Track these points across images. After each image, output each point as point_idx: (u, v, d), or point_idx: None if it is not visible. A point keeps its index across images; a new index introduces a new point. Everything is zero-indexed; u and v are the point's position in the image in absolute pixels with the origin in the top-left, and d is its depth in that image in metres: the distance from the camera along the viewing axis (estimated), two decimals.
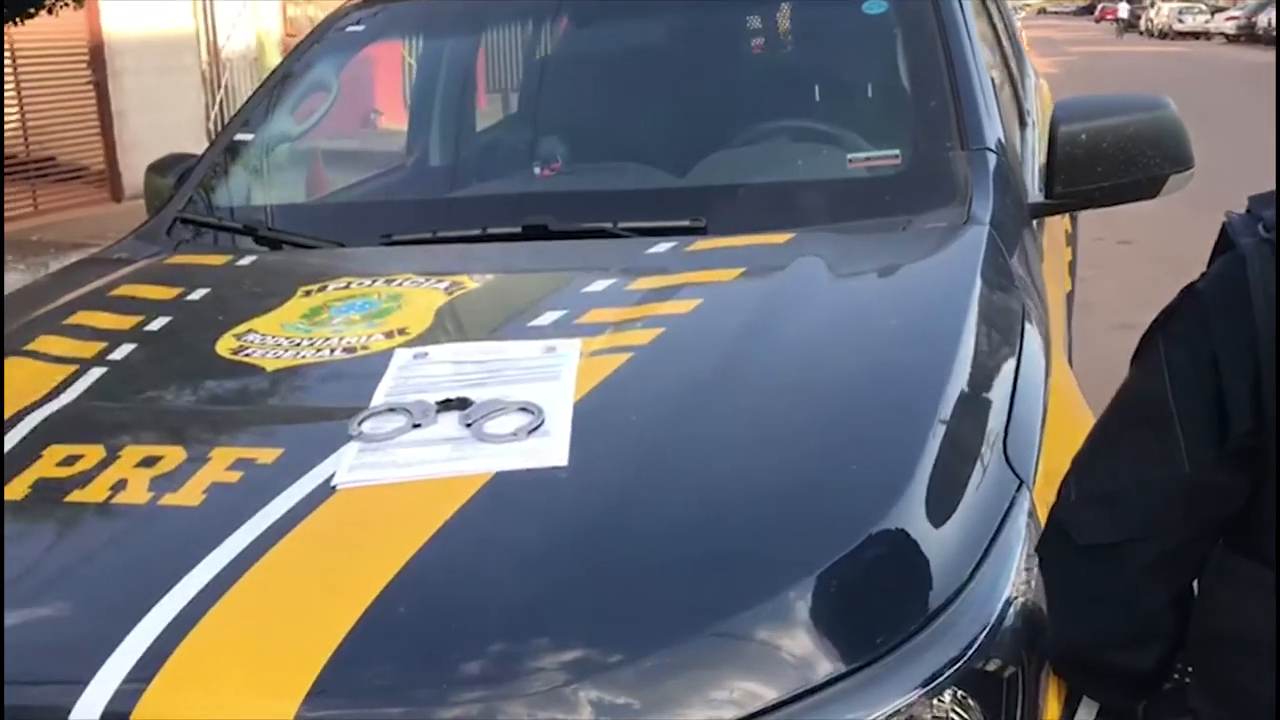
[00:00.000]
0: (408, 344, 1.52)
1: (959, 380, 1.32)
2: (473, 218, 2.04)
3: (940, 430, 1.22)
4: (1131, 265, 6.16)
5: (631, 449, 1.22)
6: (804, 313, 1.52)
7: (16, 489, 1.27)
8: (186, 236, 2.19)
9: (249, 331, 1.62)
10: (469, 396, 1.32)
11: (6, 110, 8.32)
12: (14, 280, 4.81)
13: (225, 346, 1.58)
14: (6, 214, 8.10)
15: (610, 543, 1.09)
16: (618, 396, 1.32)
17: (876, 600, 1.07)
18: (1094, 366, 1.67)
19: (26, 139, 8.57)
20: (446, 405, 1.31)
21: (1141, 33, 37.81)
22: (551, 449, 1.21)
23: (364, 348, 1.52)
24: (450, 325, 1.59)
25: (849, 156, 2.06)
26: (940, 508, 1.14)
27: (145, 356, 1.61)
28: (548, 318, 1.55)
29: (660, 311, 1.52)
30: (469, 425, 1.27)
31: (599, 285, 1.65)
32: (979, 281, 1.56)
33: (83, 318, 1.77)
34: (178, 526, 1.18)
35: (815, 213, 1.91)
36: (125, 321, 1.72)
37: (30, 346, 1.67)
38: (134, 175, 8.68)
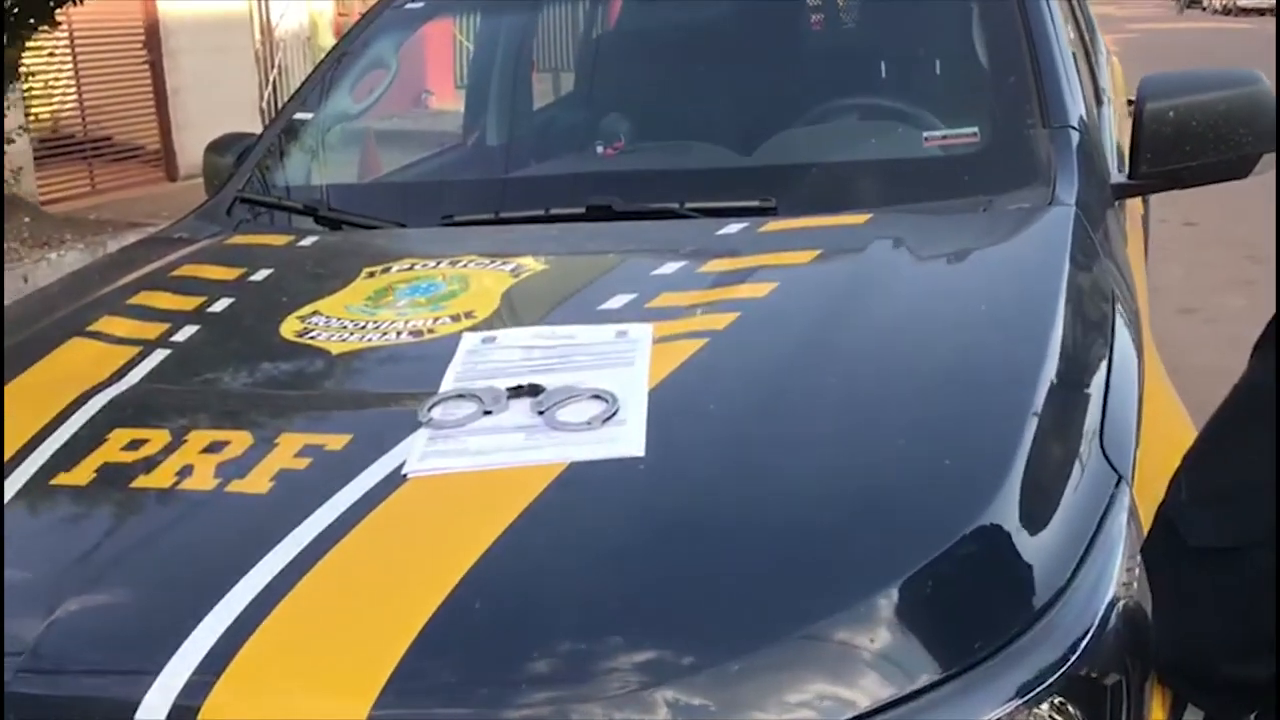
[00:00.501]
0: (475, 327, 1.48)
1: (1052, 370, 1.26)
2: (535, 198, 2.00)
3: (1035, 423, 1.16)
4: (1197, 248, 6.00)
5: (711, 440, 1.17)
6: (886, 297, 1.46)
7: (81, 474, 1.25)
8: (247, 216, 2.17)
9: (313, 314, 1.59)
10: (540, 383, 1.28)
11: (65, 90, 8.42)
12: (73, 259, 4.86)
13: (289, 329, 1.55)
14: (66, 192, 8.23)
15: (691, 539, 1.05)
16: (694, 384, 1.28)
17: (972, 603, 1.01)
18: (1158, 353, 1.61)
19: (84, 118, 8.66)
20: (517, 392, 1.27)
21: (1204, 9, 36.94)
22: (627, 438, 1.16)
23: (430, 331, 1.49)
24: (517, 308, 1.55)
25: (925, 134, 1.99)
26: (1038, 504, 1.08)
27: (209, 338, 1.59)
28: (617, 301, 1.51)
29: (735, 295, 1.47)
30: (541, 413, 1.23)
31: (669, 268, 1.61)
32: (1068, 265, 1.50)
33: (145, 298, 1.75)
34: (245, 515, 1.15)
35: (890, 193, 1.85)
36: (188, 303, 1.70)
37: (93, 327, 1.65)
38: (188, 154, 8.77)
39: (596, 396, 1.24)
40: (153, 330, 1.61)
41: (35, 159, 7.91)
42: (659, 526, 1.06)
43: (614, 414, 1.21)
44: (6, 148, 5.90)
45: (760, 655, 0.94)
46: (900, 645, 0.96)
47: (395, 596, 1.01)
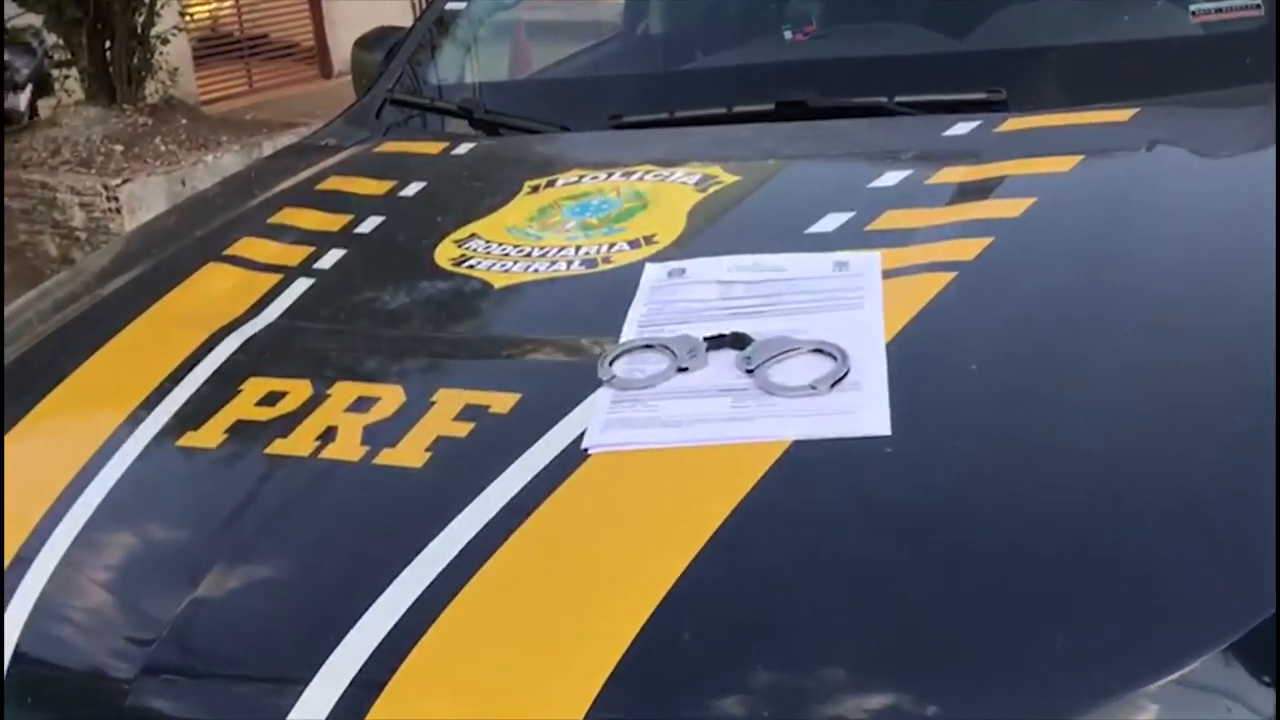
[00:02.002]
0: (658, 256, 1.24)
1: None
2: (714, 94, 1.74)
3: None
4: None
5: (979, 413, 0.91)
6: (1178, 218, 1.16)
7: (211, 433, 1.07)
8: (397, 119, 1.98)
9: (471, 237, 1.38)
10: (745, 331, 1.04)
11: None
12: (229, 161, 4.80)
13: (445, 255, 1.34)
14: (224, 92, 8.28)
15: (964, 553, 0.80)
16: (946, 334, 1.01)
17: None
18: None
19: (240, 17, 8.67)
20: (717, 342, 1.03)
21: None
22: (866, 410, 0.91)
23: (606, 261, 1.26)
24: (708, 231, 1.30)
25: (1193, 8, 1.63)
26: None
27: (356, 265, 1.40)
28: (830, 221, 1.24)
29: (982, 214, 1.19)
30: (750, 371, 0.98)
31: (890, 178, 1.33)
32: None
33: (288, 216, 1.57)
34: (399, 494, 0.95)
35: (1151, 82, 1.52)
36: (334, 222, 1.51)
37: (231, 250, 1.48)
38: (342, 51, 8.63)
39: (819, 350, 1.00)
40: (295, 255, 1.43)
41: (194, 59, 7.95)
42: (920, 534, 0.81)
43: (844, 375, 0.95)
44: (163, 48, 5.86)
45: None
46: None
47: (587, 615, 0.80)
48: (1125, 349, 0.96)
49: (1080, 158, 1.30)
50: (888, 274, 1.11)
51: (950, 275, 1.08)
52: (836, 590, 0.79)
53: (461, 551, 0.86)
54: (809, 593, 0.80)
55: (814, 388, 0.94)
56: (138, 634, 0.90)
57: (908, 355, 0.97)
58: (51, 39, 5.74)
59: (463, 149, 1.76)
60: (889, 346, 0.99)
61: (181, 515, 1.01)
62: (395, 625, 0.81)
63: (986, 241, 1.13)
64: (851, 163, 1.45)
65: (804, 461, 0.88)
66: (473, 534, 0.87)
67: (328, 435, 1.03)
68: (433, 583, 0.84)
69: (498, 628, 0.81)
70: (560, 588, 0.83)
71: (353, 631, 0.81)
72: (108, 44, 5.59)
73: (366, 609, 0.83)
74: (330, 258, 1.41)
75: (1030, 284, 1.07)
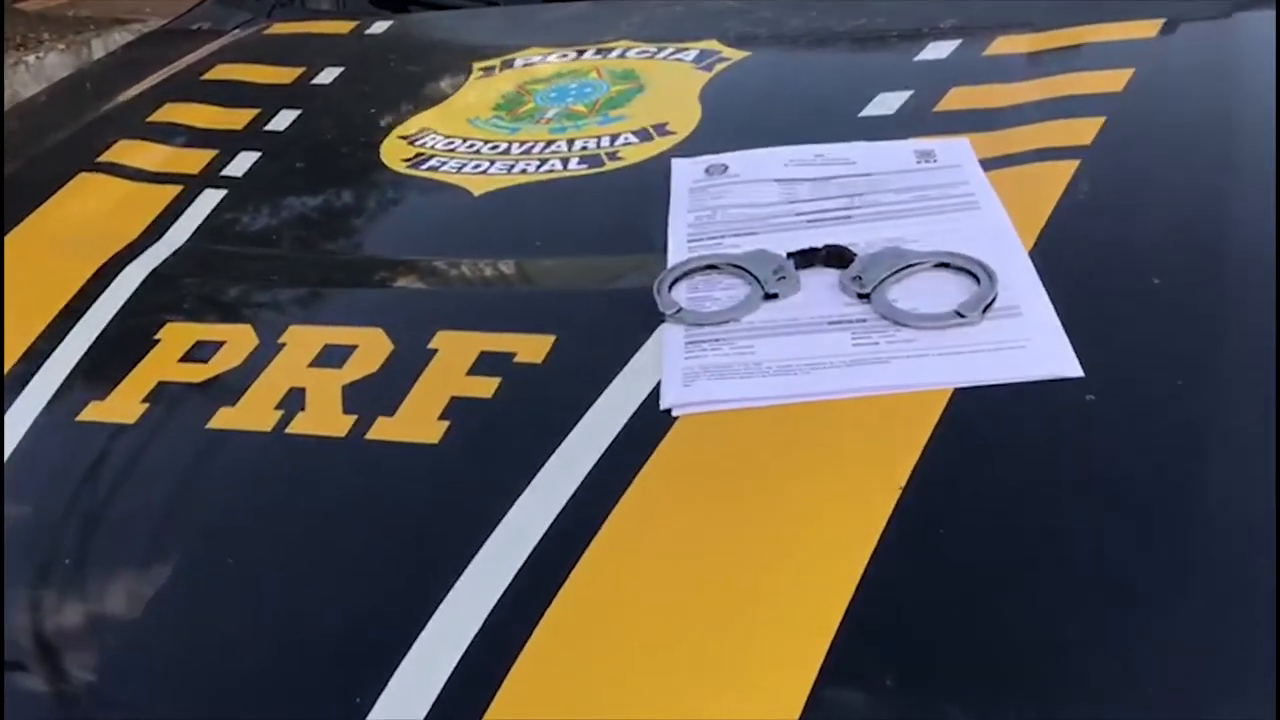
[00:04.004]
0: (681, 149, 0.99)
1: None
2: None
3: None
4: None
5: (1196, 347, 0.70)
6: None
7: (125, 402, 0.79)
8: None
9: (423, 131, 1.10)
10: (840, 243, 0.81)
11: None
12: (55, 62, 4.26)
13: (395, 154, 1.07)
14: None
15: (1246, 547, 0.59)
16: (1102, 240, 0.80)
17: None
18: None
19: None
20: (807, 258, 0.80)
21: None
22: (1041, 343, 0.69)
23: (613, 157, 1.00)
24: (735, 118, 1.05)
25: None
26: None
27: (278, 170, 1.11)
28: (885, 102, 1.01)
29: (1077, 89, 0.97)
30: (864, 295, 0.75)
31: (938, 49, 1.10)
32: None
33: (172, 113, 1.26)
34: (415, 482, 0.70)
35: None
36: (236, 118, 1.21)
37: (107, 157, 1.17)
38: None
39: (947, 264, 0.77)
40: (194, 160, 1.13)
41: None
42: (1174, 521, 0.60)
43: (994, 298, 0.73)
44: None
45: None
46: None
47: (731, 637, 0.57)
48: None
49: (1161, 21, 1.09)
50: (986, 164, 0.89)
51: (1073, 164, 0.86)
52: (1075, 591, 0.58)
53: (528, 563, 0.61)
54: (1030, 594, 0.58)
55: (961, 315, 0.72)
56: (57, 686, 0.64)
57: (1061, 268, 0.76)
58: None
59: (379, 28, 1.46)
60: (1033, 257, 0.77)
61: (97, 524, 0.74)
62: (462, 658, 0.57)
63: (1099, 121, 0.91)
64: (880, 34, 1.21)
65: (979, 419, 0.65)
66: (536, 540, 0.63)
67: (292, 401, 0.76)
68: (495, 608, 0.59)
69: (590, 685, 0.57)
70: (683, 600, 0.60)
71: (394, 680, 0.57)
72: None
73: (409, 648, 0.58)
74: (242, 162, 1.11)
75: (1178, 172, 0.86)
